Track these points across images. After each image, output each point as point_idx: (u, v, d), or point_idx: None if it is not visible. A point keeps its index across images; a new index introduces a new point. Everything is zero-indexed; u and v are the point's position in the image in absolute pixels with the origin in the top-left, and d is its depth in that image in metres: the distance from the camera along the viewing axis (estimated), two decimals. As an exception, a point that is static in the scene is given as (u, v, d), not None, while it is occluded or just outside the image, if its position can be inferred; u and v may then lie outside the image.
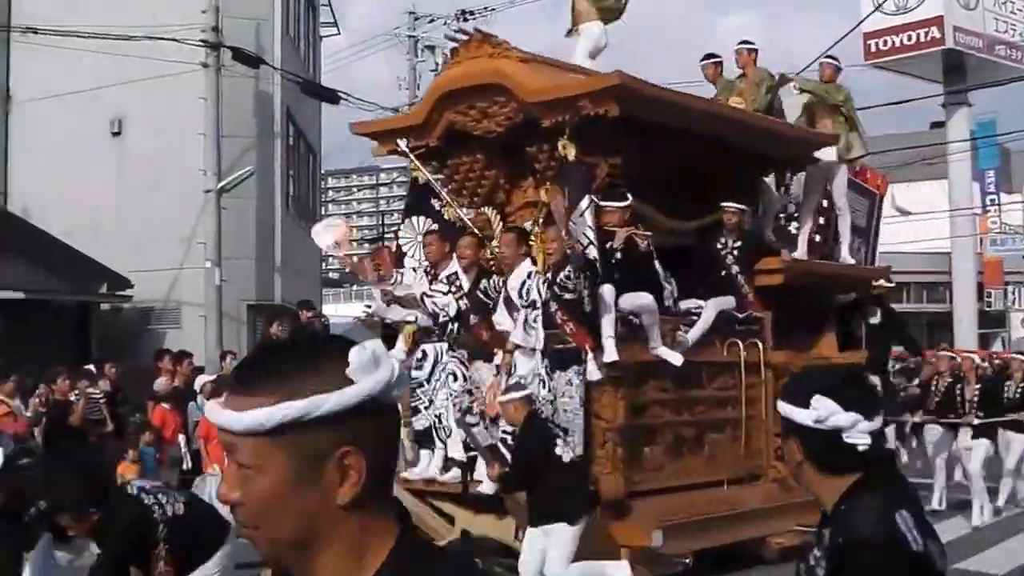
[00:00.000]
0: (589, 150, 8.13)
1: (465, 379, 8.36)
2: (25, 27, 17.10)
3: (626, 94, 7.64)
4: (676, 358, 8.16)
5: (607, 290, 7.77)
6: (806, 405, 2.35)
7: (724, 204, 9.12)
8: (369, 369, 1.32)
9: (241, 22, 17.74)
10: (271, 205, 19.47)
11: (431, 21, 29.85)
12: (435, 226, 8.98)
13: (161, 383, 11.92)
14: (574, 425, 7.64)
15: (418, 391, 8.68)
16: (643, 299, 7.93)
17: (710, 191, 9.22)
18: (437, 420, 8.50)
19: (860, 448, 2.33)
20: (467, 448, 8.23)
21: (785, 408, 2.42)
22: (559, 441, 7.33)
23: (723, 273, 9.20)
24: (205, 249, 16.28)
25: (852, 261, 10.51)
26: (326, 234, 9.10)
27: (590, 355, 7.61)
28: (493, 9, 26.77)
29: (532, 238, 8.28)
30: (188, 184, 16.70)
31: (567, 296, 7.61)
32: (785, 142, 9.61)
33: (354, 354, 1.32)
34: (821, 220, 11.17)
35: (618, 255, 8.14)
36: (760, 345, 9.09)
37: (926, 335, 30.14)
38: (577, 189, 7.89)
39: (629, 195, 8.19)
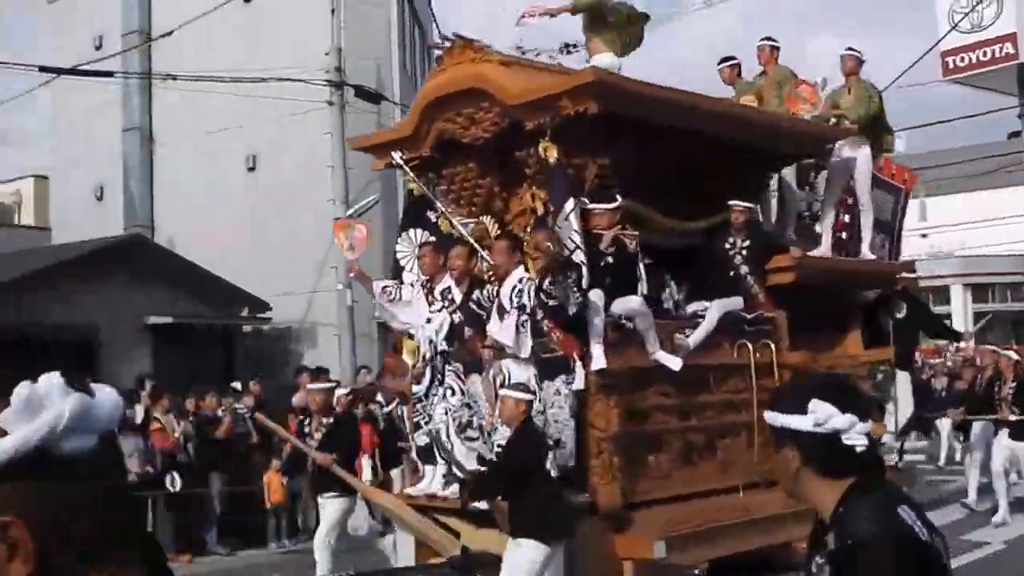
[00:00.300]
0: (575, 151, 7.93)
1: (463, 393, 8.19)
2: (165, 74, 18.45)
3: (604, 91, 7.41)
4: (674, 363, 7.90)
5: (596, 295, 7.56)
6: (803, 411, 2.37)
7: (731, 203, 8.84)
8: (25, 415, 1.10)
9: (362, 62, 19.01)
10: (395, 229, 19.79)
11: (537, 55, 29.89)
12: (432, 238, 8.85)
13: (299, 398, 12.54)
14: (565, 436, 7.43)
15: (417, 406, 8.55)
16: (632, 303, 7.69)
17: (715, 190, 8.94)
18: (437, 435, 8.35)
19: (858, 449, 2.37)
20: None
21: (778, 417, 2.44)
22: (550, 454, 7.15)
23: (731, 273, 8.91)
24: (336, 273, 17.06)
25: (873, 257, 10.12)
26: (343, 237, 9.11)
27: (577, 363, 7.40)
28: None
29: (526, 245, 8.10)
30: (318, 213, 17.61)
31: (552, 303, 7.40)
32: (794, 137, 9.28)
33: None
34: (847, 217, 10.81)
35: (609, 259, 7.92)
36: (772, 346, 8.77)
37: (1012, 333, 32.35)
38: (561, 191, 7.70)
39: (619, 196, 7.95)
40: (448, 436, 8.19)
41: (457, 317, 8.26)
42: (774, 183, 10.63)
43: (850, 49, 10.23)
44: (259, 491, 12.53)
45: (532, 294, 7.50)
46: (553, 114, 7.59)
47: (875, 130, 10.06)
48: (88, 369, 15.19)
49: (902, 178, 11.14)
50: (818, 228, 10.67)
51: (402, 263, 9.00)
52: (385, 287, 8.81)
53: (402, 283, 8.87)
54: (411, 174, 8.84)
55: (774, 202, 10.81)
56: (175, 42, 18.12)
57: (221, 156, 20.12)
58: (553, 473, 7.25)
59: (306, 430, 8.92)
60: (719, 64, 10.83)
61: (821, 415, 2.34)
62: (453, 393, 8.22)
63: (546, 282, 7.41)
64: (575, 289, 7.39)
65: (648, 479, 7.99)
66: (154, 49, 21.08)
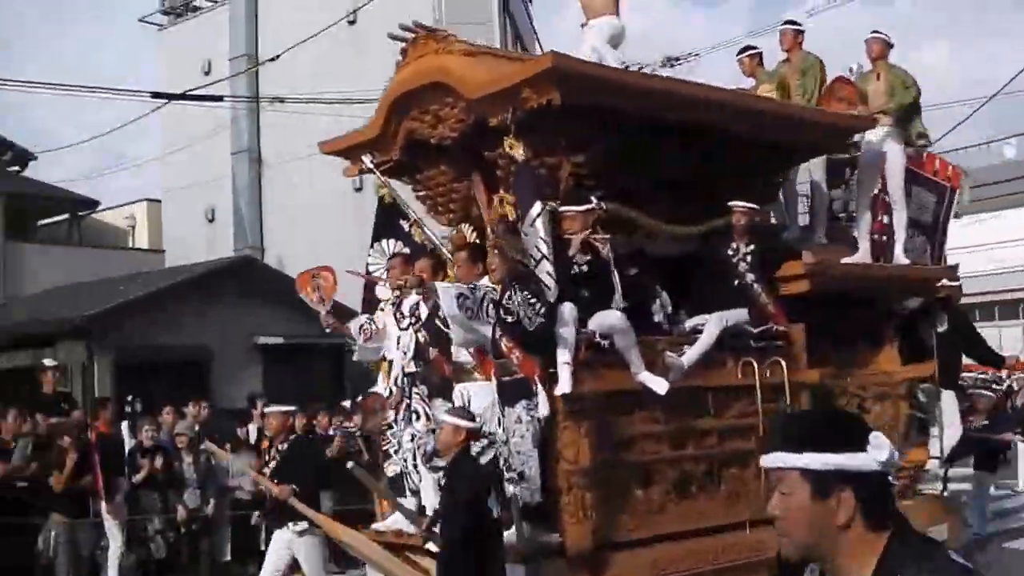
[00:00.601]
0: (546, 148, 7.10)
1: (428, 418, 7.40)
2: (273, 97, 18.93)
3: (567, 78, 6.56)
4: (660, 385, 6.99)
5: (566, 309, 6.70)
6: (861, 446, 2.09)
7: (732, 204, 7.90)
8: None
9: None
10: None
11: (640, 70, 29.36)
12: (406, 249, 8.09)
13: (373, 423, 12.33)
14: (529, 469, 6.57)
15: (388, 433, 7.81)
16: (610, 318, 6.82)
17: (716, 190, 8.01)
18: (406, 465, 7.59)
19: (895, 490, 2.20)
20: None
21: (821, 458, 2.09)
22: (504, 489, 6.37)
23: (736, 283, 7.96)
24: None
25: (906, 261, 9.05)
26: (310, 290, 8.36)
27: (539, 387, 6.55)
28: (698, 54, 26.45)
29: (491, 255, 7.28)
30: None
31: (511, 319, 6.57)
32: (808, 129, 8.28)
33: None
34: (886, 219, 9.76)
35: (584, 267, 7.07)
36: (784, 363, 7.79)
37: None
38: (528, 193, 6.88)
39: (594, 198, 7.09)
40: (415, 465, 7.43)
41: (422, 335, 7.48)
42: (804, 183, 9.66)
43: (876, 32, 9.19)
44: (370, 509, 11.94)
45: (491, 310, 6.69)
46: (516, 106, 6.78)
47: (908, 120, 9.01)
48: (200, 389, 15.37)
49: (945, 175, 10.03)
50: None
51: (374, 275, 8.25)
52: (361, 326, 8.08)
53: (372, 315, 8.13)
54: (382, 179, 8.10)
55: (803, 201, 9.85)
56: (282, 65, 18.12)
57: (328, 177, 19.64)
58: (495, 514, 6.43)
59: (265, 457, 8.22)
60: (737, 55, 9.89)
61: (886, 451, 2.05)
62: (418, 418, 7.44)
63: (505, 296, 6.60)
64: (538, 303, 6.54)
65: (635, 515, 7.09)
66: (261, 72, 21.39)
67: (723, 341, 7.60)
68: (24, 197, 24.59)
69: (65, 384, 15.40)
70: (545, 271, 6.78)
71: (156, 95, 18.03)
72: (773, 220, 9.26)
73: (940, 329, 9.12)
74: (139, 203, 29.43)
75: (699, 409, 7.51)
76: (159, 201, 28.20)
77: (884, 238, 9.64)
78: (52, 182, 26.73)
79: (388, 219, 8.26)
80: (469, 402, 7.02)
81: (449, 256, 7.74)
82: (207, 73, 23.81)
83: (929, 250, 9.77)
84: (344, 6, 19.71)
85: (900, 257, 8.96)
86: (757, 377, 7.61)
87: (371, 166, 8.02)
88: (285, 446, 8.07)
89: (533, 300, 6.49)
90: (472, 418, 6.34)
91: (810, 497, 2.11)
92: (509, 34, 22.96)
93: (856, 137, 8.91)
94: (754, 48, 9.98)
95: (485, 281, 7.06)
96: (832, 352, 8.60)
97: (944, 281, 9.22)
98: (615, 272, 6.90)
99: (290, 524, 8.08)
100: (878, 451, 2.05)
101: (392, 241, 8.16)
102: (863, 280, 8.63)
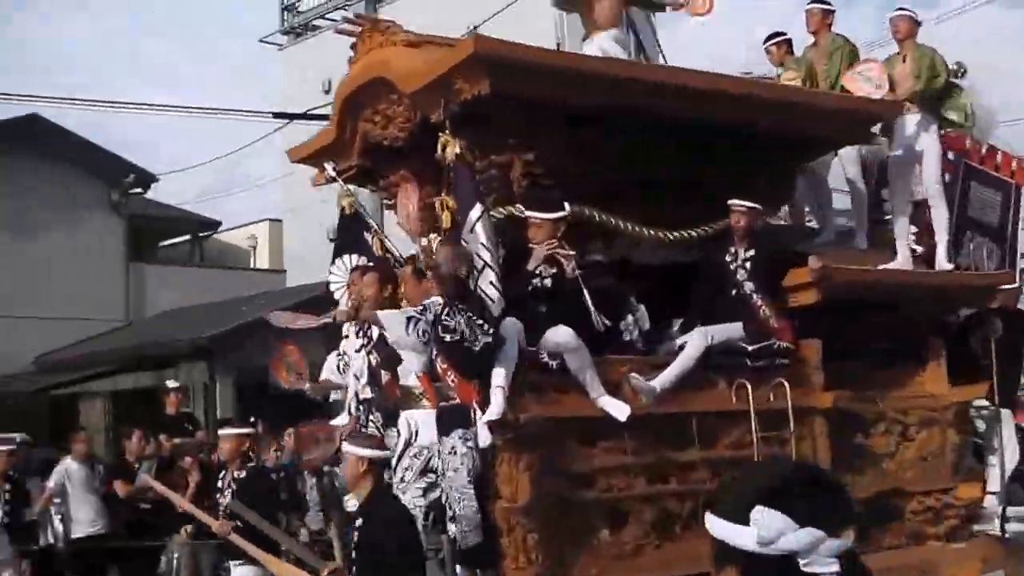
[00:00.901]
0: (494, 145, 6.34)
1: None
2: None
3: (499, 65, 5.80)
4: (621, 410, 6.11)
5: (508, 324, 5.92)
6: (744, 519, 1.80)
7: (730, 203, 6.96)
8: None
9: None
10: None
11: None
12: (369, 263, 7.41)
13: None
14: (464, 508, 5.78)
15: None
16: (560, 335, 5.98)
17: (710, 190, 7.09)
18: (359, 500, 6.88)
19: None
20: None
21: (716, 524, 1.86)
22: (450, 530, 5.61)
23: (734, 293, 7.01)
24: None
25: (949, 266, 7.90)
26: (285, 373, 7.80)
27: (478, 414, 5.77)
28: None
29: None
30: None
31: (448, 337, 5.81)
32: (818, 117, 7.27)
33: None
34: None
35: (547, 281, 6.26)
36: (787, 385, 6.80)
37: None
38: (467, 196, 6.14)
39: (566, 204, 6.27)
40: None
41: (374, 358, 6.79)
42: (837, 178, 8.64)
43: (901, 8, 8.09)
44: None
45: (428, 328, 5.95)
46: (449, 99, 6.05)
47: (940, 105, 7.91)
48: (319, 410, 15.18)
49: (1009, 170, 8.81)
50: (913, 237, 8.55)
51: (336, 296, 7.58)
52: (337, 365, 7.46)
53: (339, 350, 7.48)
54: (344, 187, 7.47)
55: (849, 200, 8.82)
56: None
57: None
58: (447, 555, 5.68)
59: (218, 484, 7.62)
60: (764, 43, 8.94)
61: (767, 530, 1.75)
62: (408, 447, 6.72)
63: (445, 312, 5.85)
64: (482, 321, 5.77)
65: (599, 559, 6.19)
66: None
67: (710, 360, 6.66)
68: (146, 219, 25.04)
69: (188, 405, 15.36)
70: (488, 281, 6.03)
71: (277, 115, 17.93)
72: (783, 222, 8.24)
73: (995, 338, 7.89)
74: (260, 223, 29.46)
75: (682, 438, 6.58)
76: (280, 221, 28.24)
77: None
78: (174, 203, 27.22)
79: (352, 232, 7.60)
80: (416, 433, 6.30)
81: (404, 267, 7.06)
82: (327, 92, 23.74)
83: (997, 255, 8.55)
84: (464, 25, 19.24)
85: (942, 262, 7.83)
86: (751, 401, 6.64)
87: (333, 174, 7.39)
88: (242, 473, 7.45)
89: (476, 317, 5.73)
90: (374, 445, 5.60)
91: (713, 568, 1.88)
92: (633, 50, 22.19)
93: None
94: (781, 35, 9.01)
95: (435, 300, 6.32)
96: (862, 372, 7.54)
97: (1003, 286, 8.00)
98: (585, 290, 6.01)
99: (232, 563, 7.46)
100: (757, 529, 1.74)
101: (355, 256, 7.49)
102: (887, 288, 7.53)
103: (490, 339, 5.74)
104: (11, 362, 20.90)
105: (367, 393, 6.84)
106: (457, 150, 6.08)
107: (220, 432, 8.18)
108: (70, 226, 22.53)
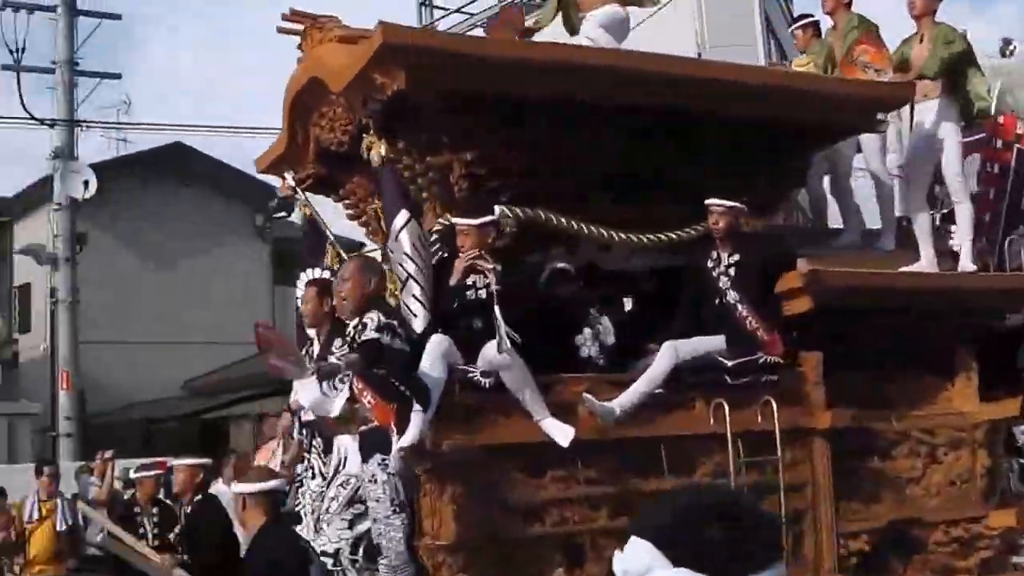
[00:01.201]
0: (428, 146, 5.78)
1: (323, 477, 6.19)
2: None
3: (414, 57, 5.25)
4: (564, 434, 5.47)
5: (434, 341, 5.36)
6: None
7: (707, 202, 6.25)
8: None
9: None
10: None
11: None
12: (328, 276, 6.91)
13: None
14: (387, 541, 5.24)
15: (299, 492, 6.65)
16: (489, 351, 5.38)
17: (704, 189, 6.39)
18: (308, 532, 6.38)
19: None
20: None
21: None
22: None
23: (718, 302, 6.30)
24: None
25: (974, 268, 7.01)
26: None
27: (395, 437, 5.21)
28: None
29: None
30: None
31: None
32: (810, 104, 6.49)
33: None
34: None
35: (481, 292, 5.66)
36: (774, 404, 6.06)
37: None
38: (393, 202, 5.62)
39: (497, 207, 5.66)
40: (309, 533, 6.21)
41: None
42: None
43: None
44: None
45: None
46: (369, 97, 5.53)
47: (960, 86, 7.05)
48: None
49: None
50: (954, 237, 7.69)
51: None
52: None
53: None
54: (303, 196, 7.01)
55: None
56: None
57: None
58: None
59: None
60: (790, 27, 8.19)
61: (631, 563, 1.57)
62: (313, 476, 6.23)
63: (357, 329, 5.33)
64: (396, 336, 5.22)
65: (553, 603, 5.58)
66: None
67: (683, 377, 5.97)
68: (291, 242, 25.28)
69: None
70: (411, 295, 5.49)
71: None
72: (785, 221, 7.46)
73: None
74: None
75: (652, 465, 5.91)
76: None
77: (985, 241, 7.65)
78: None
79: (313, 243, 7.12)
80: (344, 460, 5.79)
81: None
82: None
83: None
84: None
85: (966, 263, 6.96)
86: (728, 422, 5.92)
87: (292, 183, 6.94)
88: (188, 508, 7.02)
89: (390, 333, 5.19)
90: (266, 476, 5.11)
91: None
92: (775, 54, 21.47)
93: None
94: (808, 17, 8.27)
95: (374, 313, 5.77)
96: (877, 387, 6.74)
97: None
98: (496, 307, 5.38)
99: None
100: (620, 560, 1.60)
101: (318, 270, 7.00)
102: (894, 294, 6.69)
103: (408, 357, 5.19)
104: (161, 387, 21.38)
105: (309, 416, 6.34)
106: (383, 151, 5.56)
107: (172, 463, 7.78)
108: (216, 251, 23.13)
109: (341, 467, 5.76)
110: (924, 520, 6.75)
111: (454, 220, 5.70)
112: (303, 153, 6.81)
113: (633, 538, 1.63)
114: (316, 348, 6.26)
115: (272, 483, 5.03)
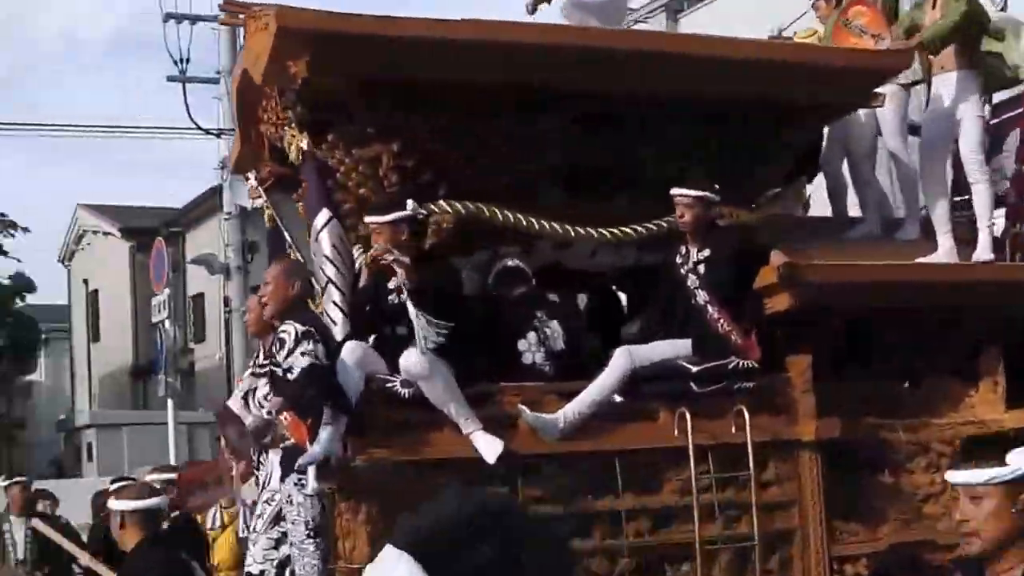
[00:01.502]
0: (356, 139, 5.37)
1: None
2: None
3: (319, 41, 4.85)
4: (491, 449, 4.99)
5: (348, 350, 4.95)
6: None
7: (672, 192, 5.68)
8: None
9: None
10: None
11: None
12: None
13: None
14: (303, 566, 4.87)
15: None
16: (408, 359, 4.93)
17: (682, 180, 5.82)
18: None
19: None
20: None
21: None
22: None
23: (692, 302, 5.71)
24: None
25: (990, 257, 6.24)
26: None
27: (310, 454, 4.82)
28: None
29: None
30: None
31: (279, 370, 4.92)
32: (789, 79, 5.84)
33: None
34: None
35: (404, 295, 5.22)
36: (746, 414, 5.46)
37: None
38: (313, 199, 5.24)
39: (410, 202, 5.20)
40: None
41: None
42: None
43: None
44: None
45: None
46: (284, 86, 5.16)
47: (976, 55, 6.29)
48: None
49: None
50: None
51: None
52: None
53: None
54: (264, 197, 6.68)
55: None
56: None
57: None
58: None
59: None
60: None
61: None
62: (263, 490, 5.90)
63: (271, 341, 4.98)
64: (317, 343, 4.85)
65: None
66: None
67: (641, 386, 5.43)
68: None
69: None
70: (331, 301, 5.09)
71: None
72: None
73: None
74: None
75: (609, 483, 5.38)
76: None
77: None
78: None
79: (277, 245, 6.81)
80: (270, 476, 5.43)
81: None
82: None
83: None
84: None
85: (983, 251, 6.21)
86: (689, 434, 5.36)
87: (254, 182, 6.63)
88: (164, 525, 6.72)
89: (312, 343, 4.82)
90: (142, 494, 4.78)
91: None
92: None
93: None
94: None
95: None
96: (878, 393, 6.08)
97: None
98: (412, 308, 4.93)
99: None
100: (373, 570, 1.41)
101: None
102: (893, 289, 5.99)
103: (323, 368, 4.80)
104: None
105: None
106: (303, 145, 5.19)
107: (146, 476, 7.54)
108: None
109: (267, 483, 5.41)
110: (938, 543, 6.04)
111: (367, 218, 5.28)
112: (259, 152, 6.47)
113: (388, 547, 1.44)
114: (261, 357, 5.93)
115: (150, 501, 4.70)
